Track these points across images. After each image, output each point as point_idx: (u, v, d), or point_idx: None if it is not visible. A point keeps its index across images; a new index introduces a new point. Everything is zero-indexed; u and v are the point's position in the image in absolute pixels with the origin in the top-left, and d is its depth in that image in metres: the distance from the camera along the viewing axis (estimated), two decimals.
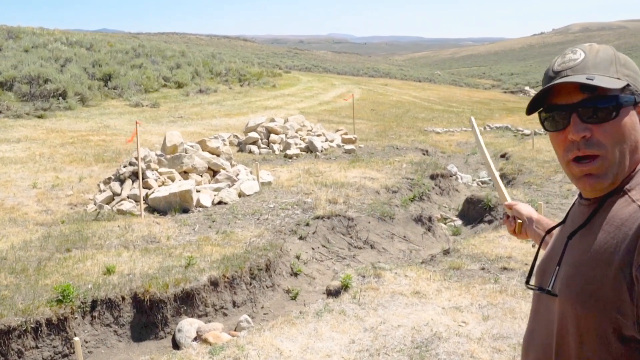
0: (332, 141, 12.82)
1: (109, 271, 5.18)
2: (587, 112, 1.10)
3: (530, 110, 1.20)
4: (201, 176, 8.50)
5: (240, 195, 8.18)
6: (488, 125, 18.79)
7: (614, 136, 1.09)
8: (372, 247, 7.04)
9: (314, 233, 6.86)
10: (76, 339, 3.94)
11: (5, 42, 23.86)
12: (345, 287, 5.19)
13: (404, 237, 7.49)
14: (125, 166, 8.27)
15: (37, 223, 6.86)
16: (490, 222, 7.88)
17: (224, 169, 8.82)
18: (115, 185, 7.87)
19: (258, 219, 7.19)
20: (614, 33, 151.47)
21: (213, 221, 7.07)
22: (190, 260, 5.44)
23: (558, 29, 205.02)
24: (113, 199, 7.68)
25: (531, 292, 1.29)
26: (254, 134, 12.36)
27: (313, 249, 6.61)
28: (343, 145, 12.73)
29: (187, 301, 5.03)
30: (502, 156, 12.98)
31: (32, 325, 4.34)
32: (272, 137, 12.40)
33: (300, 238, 6.67)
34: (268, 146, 12.19)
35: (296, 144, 12.12)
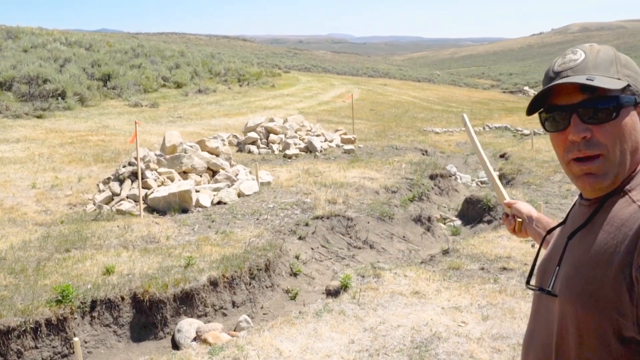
0: (331, 141, 12.82)
1: (108, 271, 5.18)
2: (587, 113, 1.10)
3: (530, 111, 1.20)
4: (200, 176, 8.50)
5: (240, 195, 8.18)
6: (487, 125, 18.80)
7: (614, 137, 1.09)
8: (371, 247, 7.04)
9: (313, 233, 6.86)
10: (76, 339, 3.94)
11: (4, 42, 23.84)
12: (344, 287, 5.19)
13: (404, 237, 7.49)
14: (124, 166, 8.27)
15: (36, 223, 6.86)
16: (489, 222, 7.88)
17: (223, 169, 8.82)
18: (115, 186, 7.86)
19: (257, 219, 7.18)
20: (612, 33, 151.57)
21: (212, 221, 7.07)
22: (189, 260, 5.44)
23: (557, 29, 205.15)
24: (112, 199, 7.68)
25: (531, 292, 1.29)
26: (253, 134, 12.36)
27: (312, 249, 6.62)
28: (342, 146, 12.73)
29: (187, 301, 5.03)
30: (502, 156, 12.98)
31: (32, 326, 4.34)
32: (272, 137, 12.40)
33: (300, 238, 6.67)
34: (267, 146, 12.19)
35: (295, 144, 12.12)
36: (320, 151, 11.98)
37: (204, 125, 15.57)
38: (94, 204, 7.59)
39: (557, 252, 1.20)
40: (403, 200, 8.42)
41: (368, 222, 7.40)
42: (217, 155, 9.22)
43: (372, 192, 8.61)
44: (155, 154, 8.54)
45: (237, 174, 8.85)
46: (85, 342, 4.56)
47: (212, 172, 8.78)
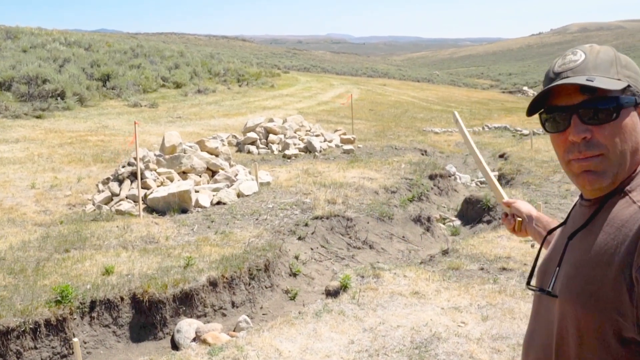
0: (330, 141, 12.82)
1: (107, 272, 5.18)
2: (587, 114, 1.10)
3: (530, 112, 1.20)
4: (200, 176, 8.50)
5: (239, 195, 8.18)
6: (487, 125, 18.81)
7: (614, 137, 1.09)
8: (371, 247, 7.04)
9: (312, 233, 6.85)
10: (75, 339, 3.94)
11: (3, 42, 23.83)
12: (344, 287, 5.19)
13: (403, 237, 7.49)
14: (123, 166, 8.26)
15: (35, 223, 6.85)
16: (489, 222, 7.89)
17: (222, 169, 8.82)
18: (114, 186, 7.86)
19: (257, 219, 7.18)
20: (612, 33, 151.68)
21: (212, 221, 7.06)
22: (189, 260, 5.43)
23: (556, 29, 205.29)
24: (112, 200, 7.67)
25: (530, 293, 1.29)
26: (252, 134, 12.36)
27: (312, 249, 6.61)
28: (342, 146, 12.73)
29: (186, 302, 5.03)
30: (501, 156, 12.99)
31: (31, 326, 4.33)
32: (271, 137, 12.40)
33: (299, 238, 6.67)
34: (267, 146, 12.19)
35: (295, 144, 12.12)
36: (320, 151, 11.98)
37: (203, 126, 15.57)
38: (93, 204, 7.59)
39: (557, 253, 1.21)
40: (402, 201, 8.42)
41: (367, 223, 7.40)
42: (217, 156, 9.22)
43: (372, 192, 8.61)
44: (155, 154, 8.54)
45: (236, 174, 8.85)
46: (85, 343, 4.56)
47: (212, 172, 8.77)
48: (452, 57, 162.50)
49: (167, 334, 4.88)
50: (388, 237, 7.35)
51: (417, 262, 6.30)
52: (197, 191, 7.89)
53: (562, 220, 1.34)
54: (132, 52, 27.72)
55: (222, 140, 11.75)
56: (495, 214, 7.91)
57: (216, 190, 8.11)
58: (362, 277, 5.45)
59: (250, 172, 9.11)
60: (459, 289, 5.11)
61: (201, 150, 9.15)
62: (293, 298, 5.62)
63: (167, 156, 8.50)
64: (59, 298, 4.56)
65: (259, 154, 11.77)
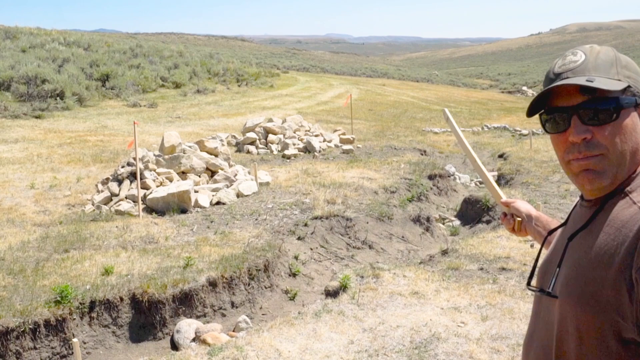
0: (330, 141, 12.82)
1: (107, 272, 5.18)
2: (587, 114, 1.10)
3: (531, 113, 1.20)
4: (199, 176, 8.50)
5: (239, 195, 8.18)
6: (486, 125, 18.81)
7: (614, 138, 1.09)
8: (370, 247, 7.04)
9: (312, 233, 6.85)
10: (75, 340, 3.94)
11: (2, 42, 23.82)
12: (343, 287, 5.19)
13: (402, 237, 7.49)
14: (123, 166, 8.26)
15: (34, 224, 6.85)
16: (488, 222, 7.89)
17: (222, 169, 8.81)
18: (113, 186, 7.85)
19: (256, 219, 7.18)
20: (611, 33, 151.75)
21: (211, 221, 7.06)
22: (188, 260, 5.43)
23: (555, 29, 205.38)
24: (111, 200, 7.67)
25: (530, 293, 1.29)
26: (252, 134, 12.36)
27: (311, 249, 6.61)
28: (341, 146, 12.73)
29: (186, 302, 5.03)
30: (500, 156, 13.00)
31: (31, 327, 4.33)
32: (270, 137, 12.40)
33: (299, 238, 6.67)
34: (266, 146, 12.19)
35: (294, 144, 12.12)
36: (319, 151, 11.98)
37: (202, 126, 15.56)
38: (93, 205, 7.58)
39: (557, 254, 1.21)
40: (402, 201, 8.42)
41: (367, 223, 7.40)
42: (216, 156, 9.22)
43: (371, 192, 8.61)
44: (154, 154, 8.54)
45: (235, 174, 8.85)
46: (84, 343, 4.56)
47: (211, 172, 8.77)
48: (451, 57, 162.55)
49: (166, 334, 4.88)
50: (387, 237, 7.36)
51: (416, 262, 6.30)
52: (196, 191, 7.89)
53: (561, 220, 1.34)
54: (131, 52, 27.72)
55: (221, 141, 11.74)
56: (495, 213, 7.92)
57: (215, 190, 8.11)
58: (362, 277, 5.45)
59: (249, 172, 9.11)
60: (459, 289, 5.12)
61: (200, 151, 9.15)
62: (293, 298, 5.62)
63: (166, 156, 8.50)
64: (59, 298, 4.56)
65: (258, 154, 11.77)
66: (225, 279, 5.32)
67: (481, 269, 5.62)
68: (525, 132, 16.37)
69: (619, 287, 1.01)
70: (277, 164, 10.75)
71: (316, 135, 12.91)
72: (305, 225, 6.96)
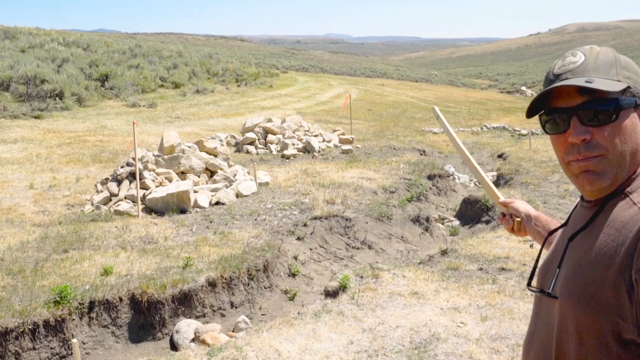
0: (329, 141, 12.82)
1: (106, 272, 5.17)
2: (587, 115, 1.10)
3: (530, 113, 1.20)
4: (199, 177, 8.49)
5: (238, 195, 8.17)
6: (485, 125, 18.82)
7: (614, 139, 1.09)
8: (369, 247, 7.04)
9: (311, 233, 6.85)
10: (74, 340, 3.93)
11: (1, 42, 23.80)
12: (343, 287, 5.19)
13: (402, 237, 7.49)
14: (122, 167, 8.25)
15: (34, 224, 6.84)
16: (487, 222, 7.89)
17: (221, 169, 8.81)
18: (113, 186, 7.85)
19: (256, 219, 7.18)
20: (610, 33, 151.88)
21: (211, 222, 7.06)
22: (188, 261, 5.43)
23: (554, 29, 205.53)
24: (110, 200, 7.67)
25: (529, 293, 1.29)
26: (251, 135, 12.36)
27: (311, 249, 6.61)
28: (340, 146, 12.73)
29: (185, 302, 5.03)
30: (499, 156, 13.01)
31: (30, 327, 4.33)
32: (270, 137, 12.39)
33: (298, 238, 6.67)
34: (265, 146, 12.18)
35: (293, 144, 12.11)
36: (318, 151, 11.98)
37: (202, 126, 15.56)
38: (92, 205, 7.58)
39: (557, 254, 1.21)
40: (401, 201, 8.42)
41: (366, 223, 7.40)
42: (215, 156, 9.22)
43: (371, 193, 8.61)
44: (153, 155, 8.54)
45: (235, 175, 8.85)
46: (84, 343, 4.55)
47: (210, 172, 8.77)
48: (450, 57, 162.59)
49: (166, 334, 4.88)
50: (387, 237, 7.36)
51: (416, 262, 6.30)
52: (195, 191, 7.89)
53: (561, 220, 1.34)
54: (130, 52, 27.70)
55: (220, 141, 11.74)
56: (494, 213, 7.92)
57: (215, 190, 8.10)
58: (361, 277, 5.45)
59: (249, 172, 9.10)
60: (458, 289, 5.12)
61: (200, 151, 9.14)
62: (292, 298, 5.62)
63: (165, 156, 8.50)
64: (58, 299, 4.56)
65: (257, 154, 11.77)
66: (225, 279, 5.31)
67: (481, 269, 5.62)
68: (524, 132, 16.38)
69: (619, 288, 1.01)
70: (276, 164, 10.74)
71: (315, 136, 12.91)
72: (305, 225, 6.96)
